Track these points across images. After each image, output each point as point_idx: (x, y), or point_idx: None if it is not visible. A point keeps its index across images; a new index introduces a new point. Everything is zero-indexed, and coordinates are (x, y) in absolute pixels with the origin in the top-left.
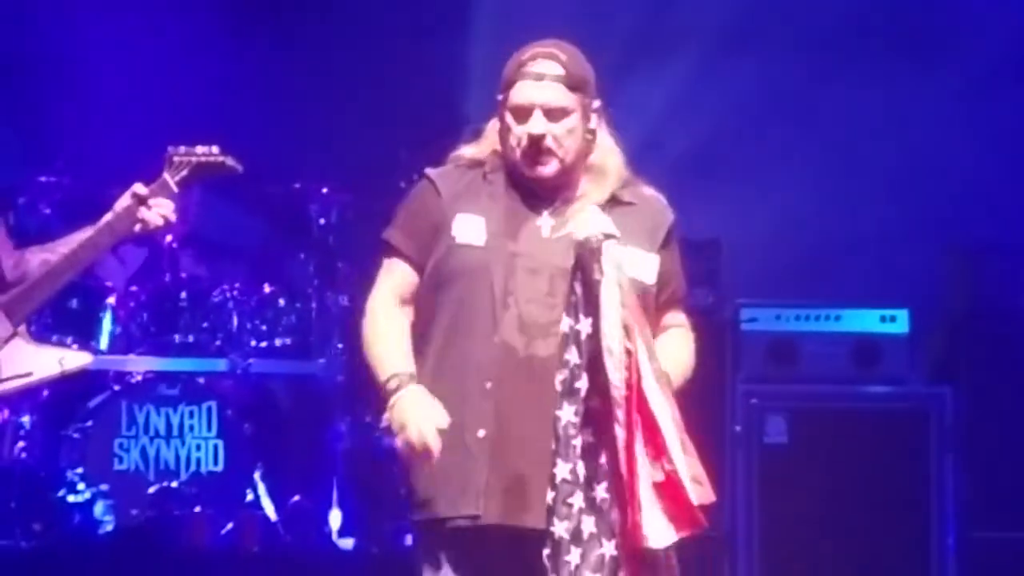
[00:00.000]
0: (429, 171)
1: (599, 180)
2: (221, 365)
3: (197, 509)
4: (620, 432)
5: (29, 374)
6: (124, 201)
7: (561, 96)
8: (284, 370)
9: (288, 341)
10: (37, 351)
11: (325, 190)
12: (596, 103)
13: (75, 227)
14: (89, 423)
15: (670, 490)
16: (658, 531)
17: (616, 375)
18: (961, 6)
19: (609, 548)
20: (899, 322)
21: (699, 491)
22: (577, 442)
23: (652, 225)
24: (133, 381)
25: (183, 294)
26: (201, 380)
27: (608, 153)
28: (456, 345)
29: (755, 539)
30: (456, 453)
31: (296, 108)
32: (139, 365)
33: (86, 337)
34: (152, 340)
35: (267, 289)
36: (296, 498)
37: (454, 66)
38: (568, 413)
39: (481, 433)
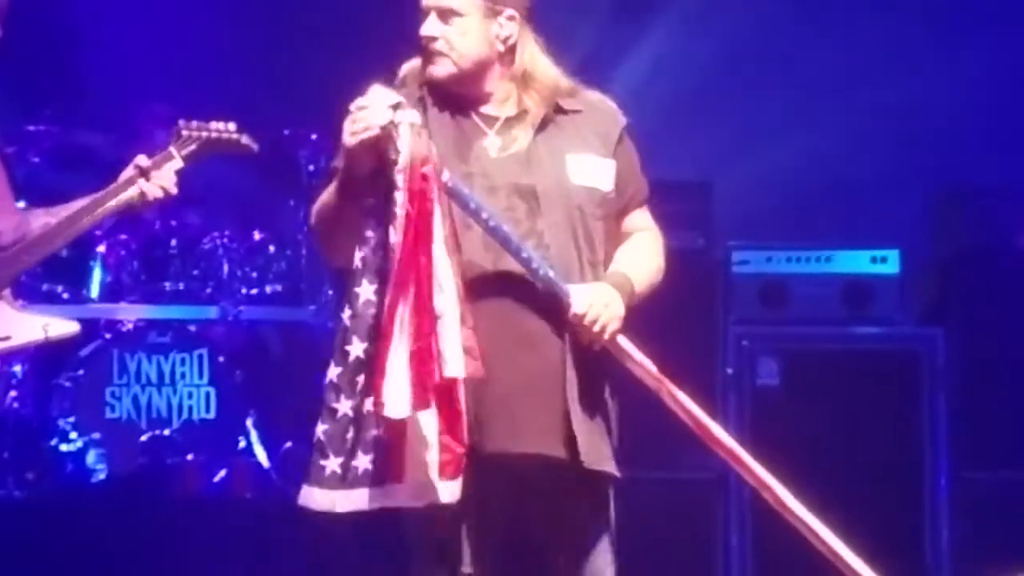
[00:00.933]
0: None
1: (534, 90)
2: (212, 312)
3: (189, 457)
4: (388, 296)
5: (7, 338)
6: (127, 172)
7: None
8: (275, 317)
9: (279, 288)
10: (20, 316)
11: (314, 136)
12: (508, 11)
13: (64, 176)
14: (80, 372)
15: (422, 361)
16: (396, 401)
17: (395, 237)
18: None
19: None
20: (890, 263)
21: (461, 365)
22: (372, 321)
23: (604, 130)
24: (124, 329)
25: (173, 242)
26: (192, 328)
27: (537, 62)
28: None
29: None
30: None
31: (284, 53)
32: (130, 313)
33: (76, 286)
34: (143, 288)
35: (257, 236)
36: (288, 444)
37: None
38: (368, 291)
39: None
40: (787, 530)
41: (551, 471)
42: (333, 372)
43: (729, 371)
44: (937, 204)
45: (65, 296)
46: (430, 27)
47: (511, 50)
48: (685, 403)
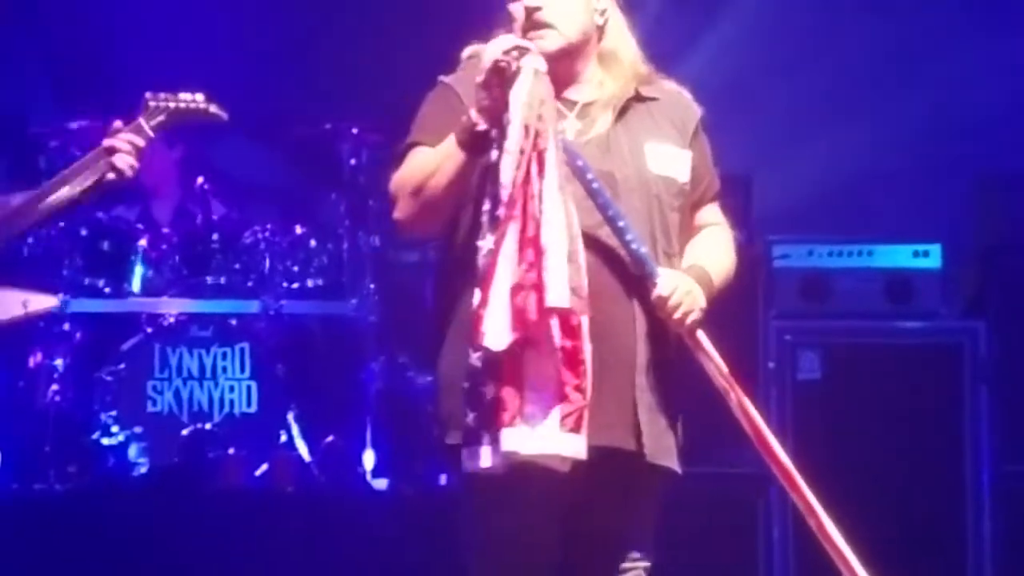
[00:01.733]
0: (443, 78)
1: (616, 72)
2: (253, 307)
3: (231, 451)
4: (497, 231)
5: None
6: (97, 149)
7: None
8: (316, 311)
9: (320, 282)
10: None
11: (355, 130)
12: None
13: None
14: (122, 366)
15: (523, 295)
16: (495, 333)
17: (507, 174)
18: None
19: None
20: (932, 257)
21: (568, 299)
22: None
23: (681, 120)
24: (166, 324)
25: (215, 236)
26: (233, 322)
27: (623, 42)
28: None
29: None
30: None
31: (326, 48)
32: (171, 307)
33: (118, 280)
34: (184, 282)
35: (299, 230)
36: (330, 439)
37: (483, 6)
38: (488, 243)
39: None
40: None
41: (611, 460)
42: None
43: (771, 365)
44: (978, 196)
45: (107, 290)
46: None
47: (603, 27)
48: (751, 412)
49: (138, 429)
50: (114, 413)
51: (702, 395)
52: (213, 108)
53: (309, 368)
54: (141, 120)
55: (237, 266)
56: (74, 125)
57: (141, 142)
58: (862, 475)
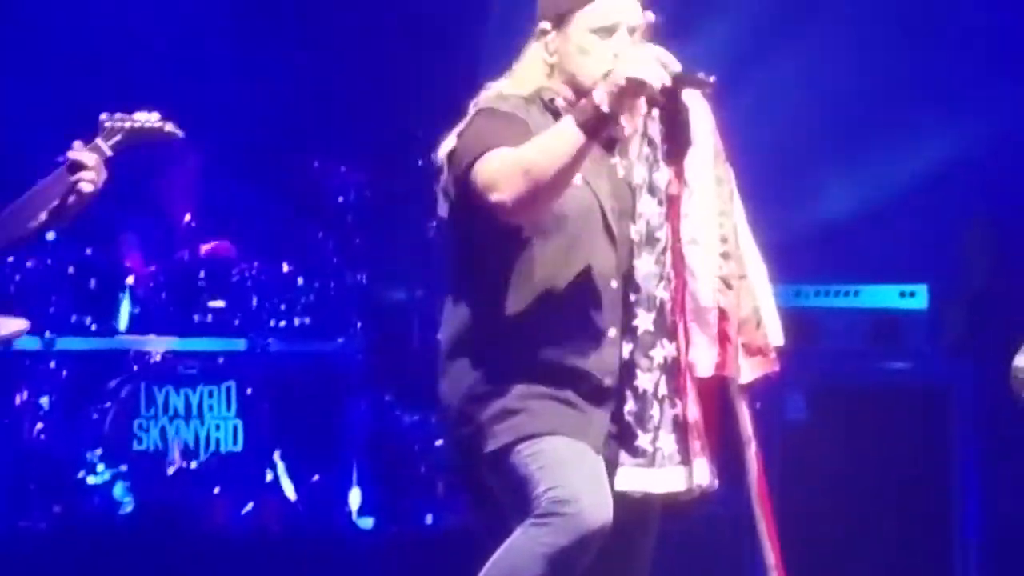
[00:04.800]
0: (500, 104)
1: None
2: (240, 344)
3: (216, 490)
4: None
5: None
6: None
7: (639, 13)
8: (303, 349)
9: (307, 320)
10: None
11: (343, 169)
12: None
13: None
14: (108, 404)
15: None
16: (703, 360)
17: (707, 212)
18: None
19: (679, 408)
20: (918, 297)
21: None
22: (658, 293)
23: None
24: (152, 361)
25: (202, 274)
26: (220, 360)
27: None
28: (571, 284)
29: (775, 515)
30: (583, 395)
31: (314, 87)
32: (158, 345)
33: (105, 318)
34: (171, 320)
35: (286, 268)
36: (315, 478)
37: (470, 45)
38: (648, 263)
39: (608, 381)
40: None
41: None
42: (626, 350)
43: (757, 405)
44: (965, 237)
45: (94, 328)
46: (627, 42)
47: None
48: (757, 466)
49: (124, 467)
50: (100, 451)
51: None
52: (169, 127)
53: (295, 407)
54: (99, 140)
55: (224, 304)
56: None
57: (98, 160)
58: (849, 516)
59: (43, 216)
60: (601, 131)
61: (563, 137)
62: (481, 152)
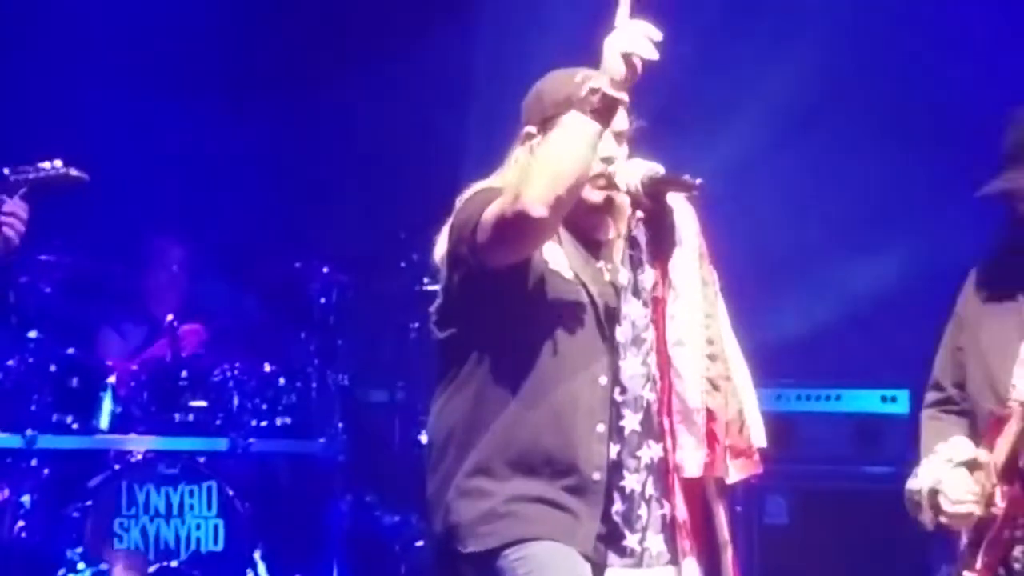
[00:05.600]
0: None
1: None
2: (221, 444)
3: None
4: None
5: None
6: None
7: (625, 118)
8: (285, 449)
9: (288, 420)
10: None
11: (326, 270)
12: None
13: (75, 305)
14: (89, 502)
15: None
16: (691, 460)
17: (693, 314)
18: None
19: (667, 508)
20: (900, 402)
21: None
22: (645, 394)
23: None
24: (133, 460)
25: (183, 373)
26: (201, 459)
27: None
28: (560, 379)
29: None
30: (572, 491)
31: (297, 189)
32: (139, 444)
33: (86, 416)
34: (152, 419)
35: (267, 368)
36: None
37: (453, 148)
38: (634, 364)
39: (597, 476)
40: None
41: None
42: (613, 451)
43: (738, 509)
44: None
45: (75, 426)
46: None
47: None
48: (731, 570)
49: (104, 566)
50: (80, 550)
51: None
52: (74, 172)
53: (276, 506)
54: (3, 196)
55: (205, 403)
56: (43, 258)
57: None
58: None
59: None
60: (612, 114)
61: (571, 133)
62: (484, 209)
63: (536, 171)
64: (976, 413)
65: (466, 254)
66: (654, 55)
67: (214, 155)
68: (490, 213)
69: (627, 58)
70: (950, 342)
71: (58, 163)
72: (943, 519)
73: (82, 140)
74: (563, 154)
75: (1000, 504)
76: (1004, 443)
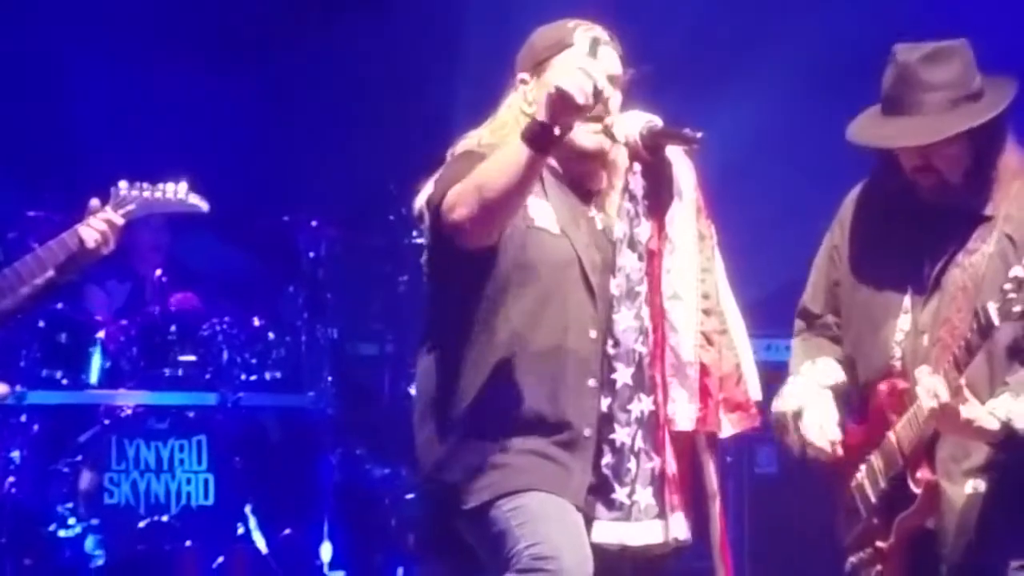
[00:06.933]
0: (477, 149)
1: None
2: (211, 399)
3: (188, 543)
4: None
5: None
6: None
7: (618, 62)
8: (274, 403)
9: (278, 374)
10: None
11: (314, 223)
12: None
13: None
14: (79, 457)
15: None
16: (683, 415)
17: (689, 267)
18: None
19: (656, 462)
20: None
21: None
22: (637, 347)
23: None
24: (123, 415)
25: (172, 328)
26: (191, 414)
27: None
28: (547, 334)
29: (745, 567)
30: (563, 446)
31: (285, 142)
32: (129, 399)
33: (76, 372)
34: (142, 374)
35: (257, 322)
36: (287, 531)
37: (443, 100)
38: (627, 317)
39: (588, 432)
40: None
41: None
42: (604, 404)
43: (728, 459)
44: None
45: (64, 382)
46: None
47: None
48: (720, 521)
49: (95, 521)
50: (71, 505)
51: None
52: (193, 199)
53: (266, 461)
54: (108, 208)
55: (195, 358)
56: (32, 215)
57: (109, 227)
58: (819, 567)
59: (53, 271)
60: (545, 143)
61: (510, 151)
62: (448, 189)
63: (470, 187)
64: (856, 362)
65: (437, 227)
66: (585, 94)
67: (201, 109)
68: (444, 204)
69: (559, 91)
70: (825, 273)
71: (182, 188)
72: (809, 450)
73: (67, 100)
74: (497, 179)
75: (916, 490)
76: (911, 430)
